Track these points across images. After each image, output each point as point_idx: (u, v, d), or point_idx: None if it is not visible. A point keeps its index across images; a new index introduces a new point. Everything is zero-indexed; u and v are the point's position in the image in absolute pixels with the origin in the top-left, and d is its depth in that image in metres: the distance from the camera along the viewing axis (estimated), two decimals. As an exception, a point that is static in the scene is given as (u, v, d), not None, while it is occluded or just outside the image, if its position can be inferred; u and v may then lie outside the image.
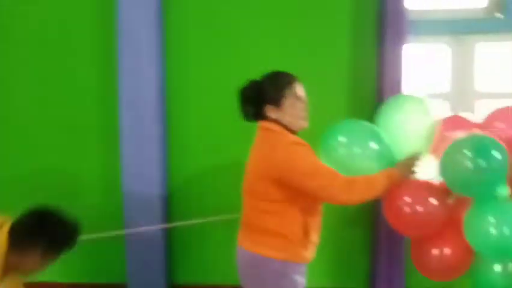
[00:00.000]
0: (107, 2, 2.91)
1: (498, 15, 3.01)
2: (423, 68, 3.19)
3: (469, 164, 1.79)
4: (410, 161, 1.92)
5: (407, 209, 1.97)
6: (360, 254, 3.02)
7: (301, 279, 1.88)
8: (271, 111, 1.86)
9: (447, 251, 2.05)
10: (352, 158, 1.99)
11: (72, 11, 3.00)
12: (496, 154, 1.79)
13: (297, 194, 1.79)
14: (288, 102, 1.85)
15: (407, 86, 2.84)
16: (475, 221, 1.89)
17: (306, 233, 1.85)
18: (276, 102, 1.85)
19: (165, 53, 2.93)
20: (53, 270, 1.84)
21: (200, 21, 2.94)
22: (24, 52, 3.06)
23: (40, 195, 3.04)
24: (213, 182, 2.99)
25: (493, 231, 1.80)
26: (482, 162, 1.78)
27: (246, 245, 1.89)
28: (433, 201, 1.97)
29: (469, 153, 1.80)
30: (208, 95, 2.98)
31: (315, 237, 1.90)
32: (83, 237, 2.85)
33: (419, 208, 1.96)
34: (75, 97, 3.05)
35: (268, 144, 1.83)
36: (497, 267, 2.03)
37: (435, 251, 2.07)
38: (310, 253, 1.90)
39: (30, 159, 3.11)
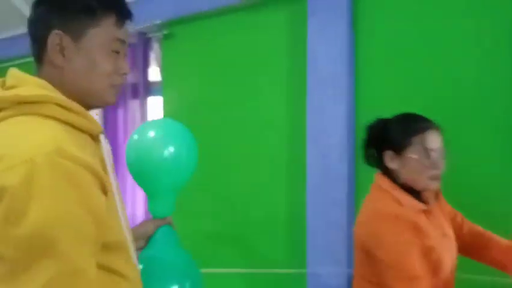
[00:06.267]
0: (299, 39, 2.97)
1: None
2: None
3: None
4: None
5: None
6: None
7: None
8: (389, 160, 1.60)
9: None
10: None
11: (268, 45, 3.15)
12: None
13: None
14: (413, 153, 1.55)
15: None
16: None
17: None
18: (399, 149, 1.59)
19: (354, 91, 2.82)
20: None
21: (391, 56, 2.73)
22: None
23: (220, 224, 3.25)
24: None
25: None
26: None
27: None
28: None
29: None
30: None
31: None
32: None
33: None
34: (264, 130, 3.16)
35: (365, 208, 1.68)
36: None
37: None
38: None
39: (215, 190, 3.27)
